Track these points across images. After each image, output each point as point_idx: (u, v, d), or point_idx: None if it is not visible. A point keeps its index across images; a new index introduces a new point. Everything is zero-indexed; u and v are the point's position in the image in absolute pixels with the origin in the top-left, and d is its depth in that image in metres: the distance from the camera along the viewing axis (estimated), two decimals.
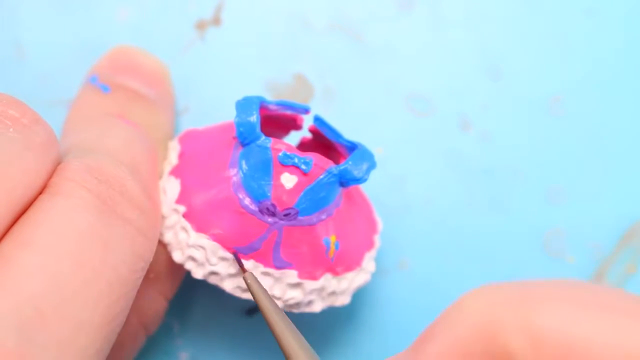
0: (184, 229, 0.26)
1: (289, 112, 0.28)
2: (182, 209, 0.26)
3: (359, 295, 0.32)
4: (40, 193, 0.22)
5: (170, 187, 0.27)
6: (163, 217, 0.27)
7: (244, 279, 0.25)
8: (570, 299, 0.19)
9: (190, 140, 0.28)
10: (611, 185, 0.32)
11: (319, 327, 0.31)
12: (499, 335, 0.19)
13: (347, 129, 0.32)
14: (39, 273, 0.20)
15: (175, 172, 0.27)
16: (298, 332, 0.23)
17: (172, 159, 0.28)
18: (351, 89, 0.33)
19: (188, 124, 0.32)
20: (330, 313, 0.31)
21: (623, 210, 0.32)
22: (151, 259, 0.24)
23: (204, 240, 0.26)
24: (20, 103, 0.23)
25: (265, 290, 0.24)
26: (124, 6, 0.33)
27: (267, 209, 0.25)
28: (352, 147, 0.27)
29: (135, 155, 0.26)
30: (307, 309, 0.27)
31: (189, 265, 0.26)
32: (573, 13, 0.33)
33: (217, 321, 0.32)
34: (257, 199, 0.25)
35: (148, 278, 0.27)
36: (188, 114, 0.32)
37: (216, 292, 0.29)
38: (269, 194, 0.25)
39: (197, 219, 0.26)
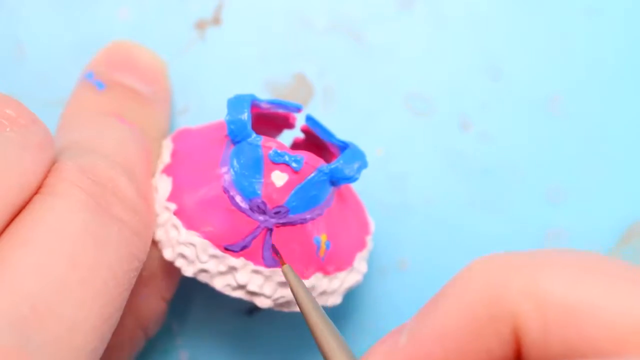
0: (174, 226, 0.26)
1: (281, 111, 0.28)
2: (173, 206, 0.26)
3: (357, 295, 0.32)
4: (35, 193, 0.22)
5: (162, 185, 0.27)
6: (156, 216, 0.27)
7: (282, 271, 0.25)
8: (575, 264, 0.19)
9: (183, 139, 0.28)
10: (611, 185, 0.32)
11: None
12: (505, 298, 0.18)
13: (347, 128, 0.32)
14: (35, 272, 0.20)
15: (168, 170, 0.27)
16: (334, 327, 0.22)
17: (165, 157, 0.28)
18: (351, 89, 0.33)
19: (188, 124, 0.32)
20: (329, 313, 0.31)
21: (623, 210, 0.32)
22: (145, 259, 0.24)
23: (194, 237, 0.26)
24: (18, 103, 0.23)
25: (303, 283, 0.24)
26: (124, 6, 0.33)
27: (258, 206, 0.25)
28: (344, 146, 0.27)
29: (129, 155, 0.26)
30: (297, 309, 0.27)
31: (179, 263, 0.26)
32: (573, 13, 0.33)
33: (216, 321, 0.32)
34: (248, 196, 0.25)
35: (142, 277, 0.27)
36: (188, 114, 0.32)
37: (215, 292, 0.29)
38: (259, 192, 0.25)
39: (188, 216, 0.26)
